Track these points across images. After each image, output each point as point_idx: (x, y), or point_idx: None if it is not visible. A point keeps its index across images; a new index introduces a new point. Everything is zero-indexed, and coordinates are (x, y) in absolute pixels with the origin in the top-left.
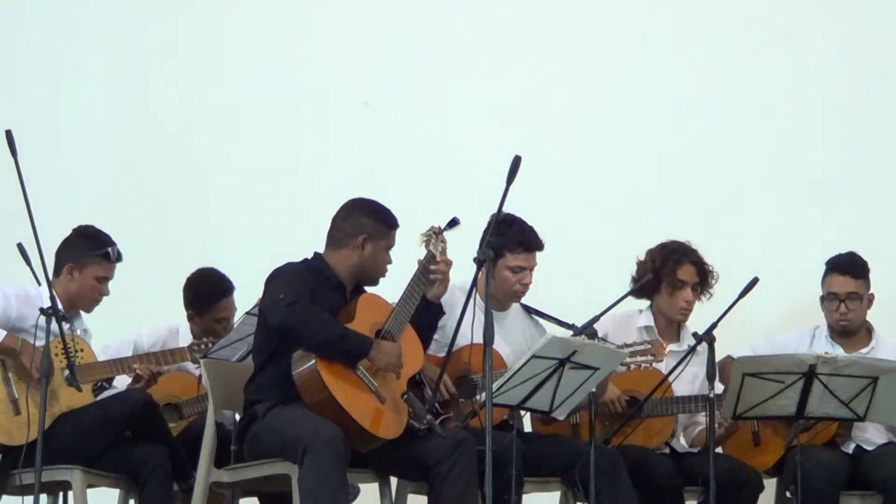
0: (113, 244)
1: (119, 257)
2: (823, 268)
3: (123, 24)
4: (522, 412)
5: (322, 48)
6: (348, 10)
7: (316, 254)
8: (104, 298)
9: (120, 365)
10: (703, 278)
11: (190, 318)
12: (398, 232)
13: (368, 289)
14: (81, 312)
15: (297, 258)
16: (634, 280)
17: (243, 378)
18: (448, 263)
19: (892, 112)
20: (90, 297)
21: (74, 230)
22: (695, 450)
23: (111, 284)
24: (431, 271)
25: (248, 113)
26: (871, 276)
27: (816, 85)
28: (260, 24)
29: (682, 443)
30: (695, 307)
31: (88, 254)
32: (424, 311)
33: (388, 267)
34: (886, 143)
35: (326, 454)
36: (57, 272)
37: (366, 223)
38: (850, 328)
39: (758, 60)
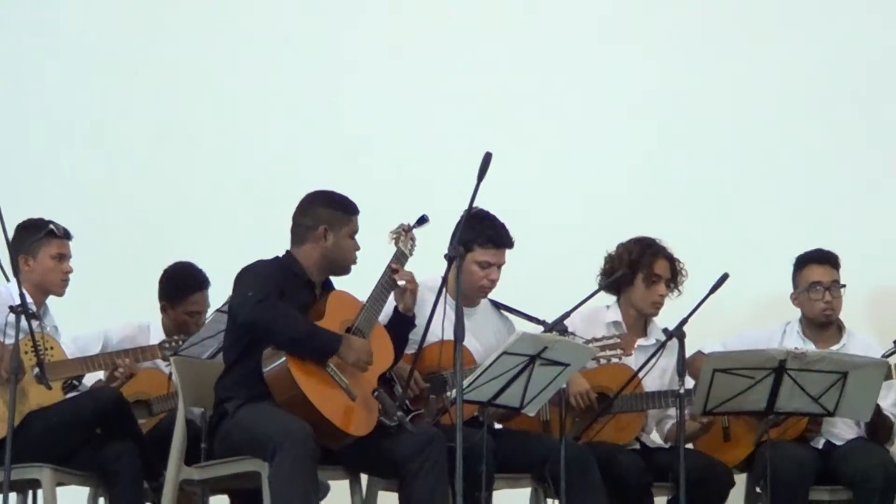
0: (51, 223)
1: (66, 233)
2: (793, 264)
3: (99, 21)
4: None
5: (297, 46)
6: (323, 8)
7: (287, 252)
8: (78, 290)
9: (90, 362)
10: (675, 275)
11: (163, 310)
12: (369, 228)
13: (338, 286)
14: (51, 310)
15: (271, 256)
16: (604, 274)
17: (213, 375)
18: (410, 277)
19: (864, 110)
20: (55, 279)
21: (15, 229)
22: (666, 445)
23: (91, 274)
24: (396, 283)
25: (222, 110)
26: (842, 272)
27: (788, 82)
28: (237, 21)
29: (653, 437)
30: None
31: (33, 240)
32: (395, 322)
33: (360, 262)
34: (858, 140)
35: (297, 452)
36: (16, 271)
37: (324, 213)
38: (832, 318)
39: (731, 58)
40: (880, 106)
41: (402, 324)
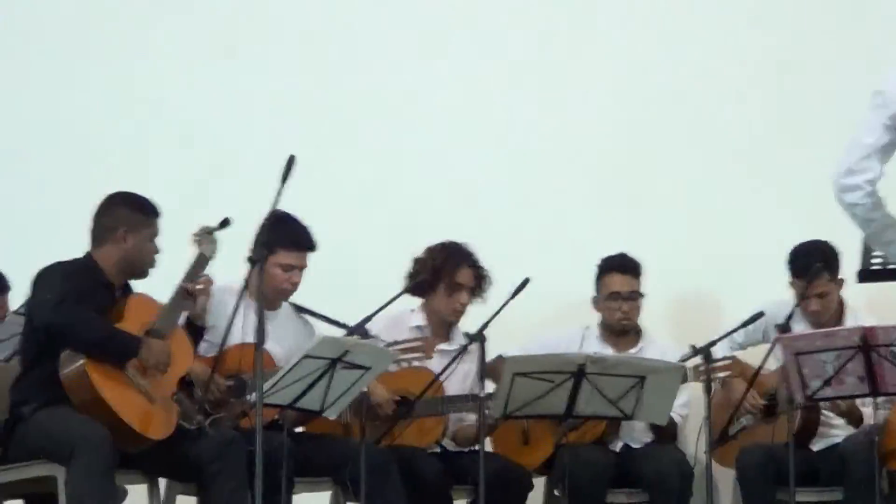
0: None
1: None
2: (595, 268)
3: None
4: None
5: (117, 48)
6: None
7: (86, 253)
8: None
9: None
10: (479, 283)
11: None
12: (170, 229)
13: (138, 289)
14: None
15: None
16: (410, 276)
17: (9, 379)
18: (208, 283)
19: (685, 110)
20: None
21: None
22: (465, 449)
23: None
24: (191, 290)
25: (29, 109)
26: (644, 276)
27: (592, 85)
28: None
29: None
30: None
31: None
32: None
33: (160, 265)
34: (669, 143)
35: (94, 456)
36: None
37: (123, 215)
38: (629, 326)
39: (531, 58)
40: (702, 108)
41: (189, 332)
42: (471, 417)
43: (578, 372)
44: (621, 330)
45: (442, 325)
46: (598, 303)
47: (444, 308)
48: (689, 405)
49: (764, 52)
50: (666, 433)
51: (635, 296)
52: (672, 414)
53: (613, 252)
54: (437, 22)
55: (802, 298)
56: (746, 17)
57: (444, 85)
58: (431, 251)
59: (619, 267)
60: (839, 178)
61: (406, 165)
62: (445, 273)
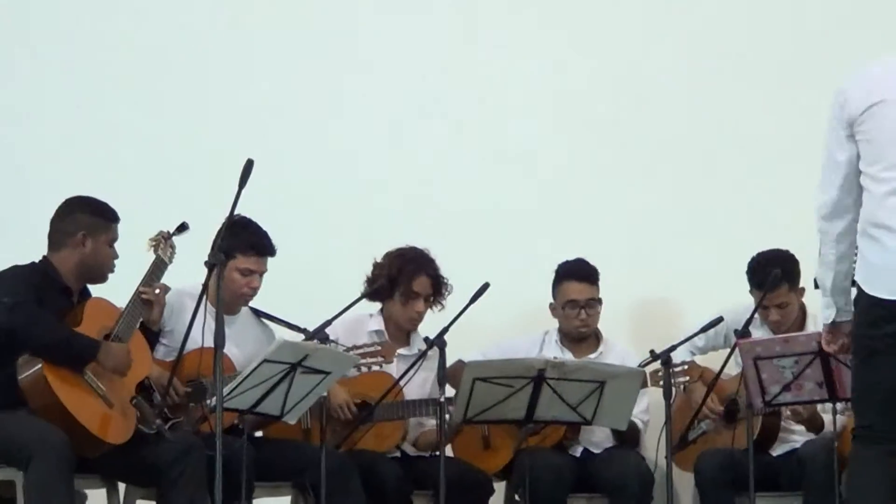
0: None
1: None
2: (553, 274)
3: None
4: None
5: (66, 49)
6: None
7: (43, 257)
8: None
9: None
10: (437, 290)
11: None
12: (128, 233)
13: (96, 293)
14: None
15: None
16: (369, 281)
17: None
18: (164, 289)
19: (629, 120)
20: None
21: None
22: (426, 454)
23: None
24: (146, 293)
25: None
26: (602, 281)
27: (553, 90)
28: None
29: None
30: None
31: None
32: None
33: (118, 270)
34: (620, 150)
35: (53, 460)
36: None
37: (83, 219)
38: (588, 333)
39: (493, 63)
40: (663, 114)
41: (144, 336)
42: (431, 422)
43: (538, 377)
44: (580, 336)
45: (401, 330)
46: (555, 310)
47: (400, 315)
48: (649, 410)
49: (722, 63)
50: (628, 439)
51: (593, 303)
52: (633, 419)
53: (570, 257)
54: (392, 24)
55: (762, 308)
56: (709, 28)
57: (404, 89)
58: (389, 257)
59: (576, 274)
60: (823, 201)
61: (365, 169)
62: (402, 281)
